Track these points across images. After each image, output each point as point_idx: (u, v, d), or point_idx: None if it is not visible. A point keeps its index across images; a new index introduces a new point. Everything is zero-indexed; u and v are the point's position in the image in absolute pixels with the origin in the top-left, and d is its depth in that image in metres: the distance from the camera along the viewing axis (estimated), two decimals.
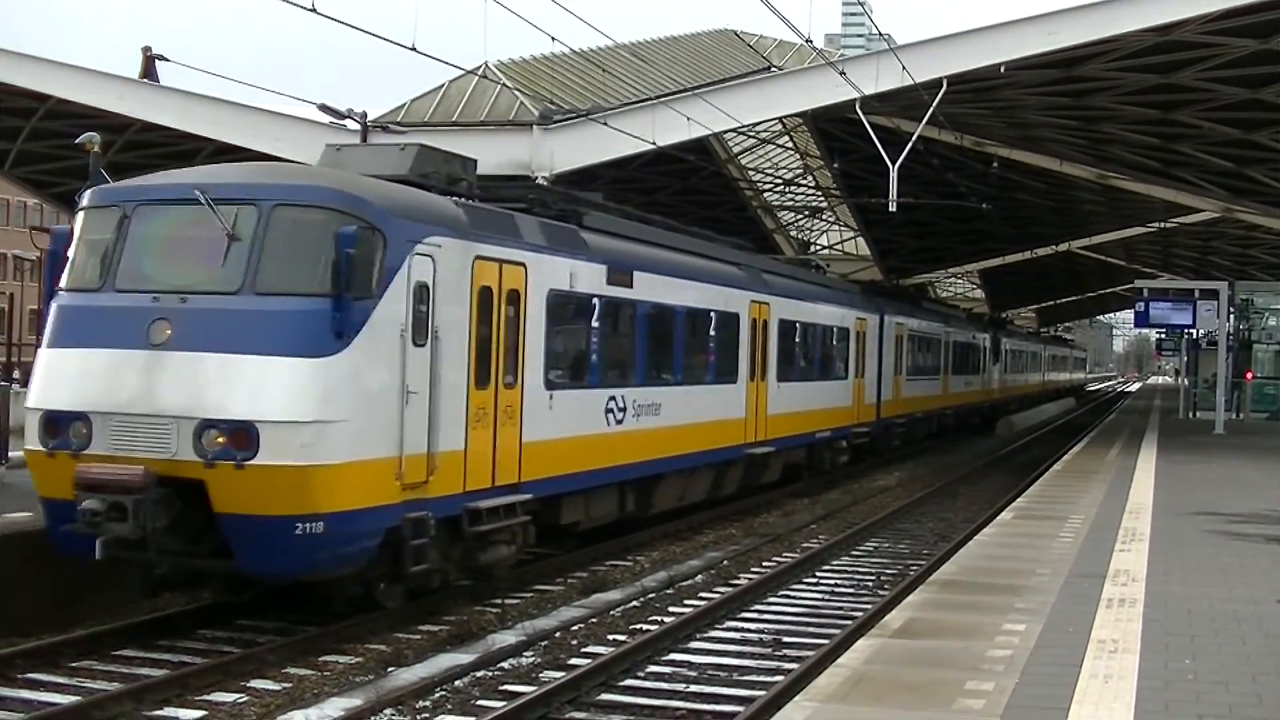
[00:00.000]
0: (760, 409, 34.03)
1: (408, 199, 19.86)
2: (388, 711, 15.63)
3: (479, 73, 39.70)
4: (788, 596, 23.68)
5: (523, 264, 22.03)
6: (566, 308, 23.90)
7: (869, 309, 46.37)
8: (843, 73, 35.76)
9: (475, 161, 23.84)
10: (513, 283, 21.74)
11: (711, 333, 30.87)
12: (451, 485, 19.92)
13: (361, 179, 19.85)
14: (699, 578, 24.88)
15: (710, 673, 18.01)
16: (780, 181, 67.42)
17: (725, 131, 46.20)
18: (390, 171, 21.19)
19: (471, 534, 20.49)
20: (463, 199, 21.88)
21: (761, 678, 17.72)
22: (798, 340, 37.47)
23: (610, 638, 19.65)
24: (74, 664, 17.11)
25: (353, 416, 17.81)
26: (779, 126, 60.31)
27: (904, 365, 51.70)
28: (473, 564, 21.11)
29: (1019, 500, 29.06)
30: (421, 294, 19.19)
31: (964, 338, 67.30)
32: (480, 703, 16.17)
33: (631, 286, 26.29)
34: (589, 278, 24.59)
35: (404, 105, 41.38)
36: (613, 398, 25.61)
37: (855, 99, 36.57)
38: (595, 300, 24.81)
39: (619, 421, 25.83)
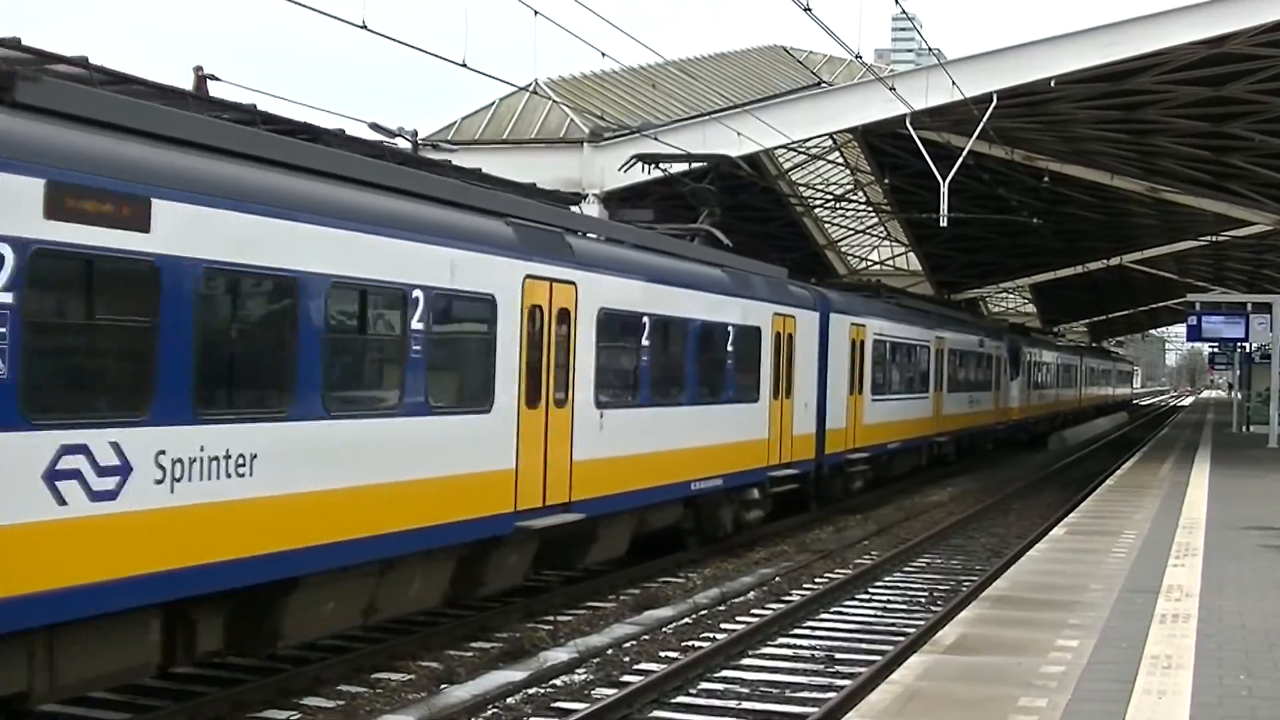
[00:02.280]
0: (558, 454, 21.25)
1: None
2: None
3: (530, 89, 39.82)
4: (840, 613, 23.65)
5: None
6: None
7: (800, 304, 33.15)
8: (892, 88, 35.81)
9: None
10: None
11: (416, 327, 17.70)
12: None
13: None
14: (751, 594, 24.86)
15: (763, 689, 18.00)
16: (831, 197, 67.37)
17: (776, 147, 46.19)
18: None
19: None
20: None
21: (814, 694, 17.70)
22: (647, 343, 24.68)
23: (662, 654, 19.65)
24: (127, 681, 17.12)
25: None
26: (829, 142, 60.29)
27: (867, 380, 39.06)
28: None
29: (1072, 515, 28.96)
30: None
31: (967, 345, 55.19)
32: None
33: (147, 228, 13.76)
34: None
35: (455, 123, 41.53)
36: (83, 449, 13.03)
37: (905, 114, 36.63)
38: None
39: (103, 495, 13.23)
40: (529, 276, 20.37)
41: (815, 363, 34.36)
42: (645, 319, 24.55)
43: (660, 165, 33.03)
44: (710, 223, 32.50)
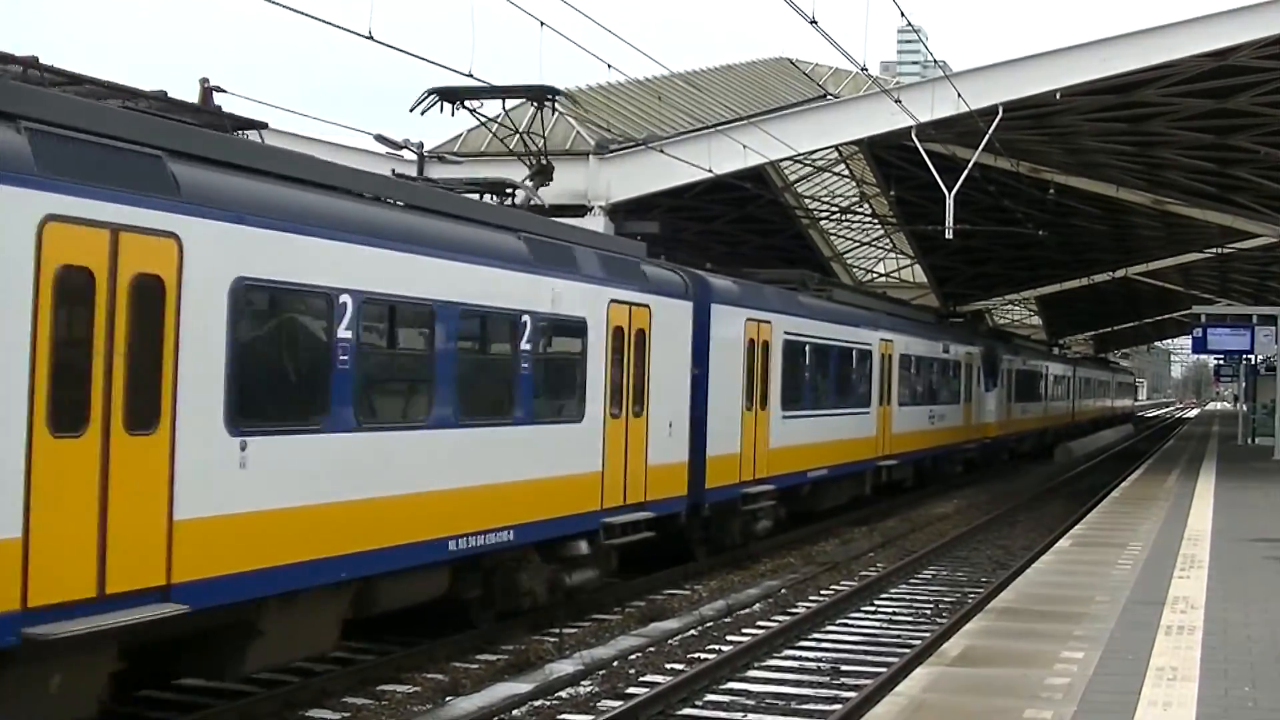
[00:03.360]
0: (136, 511, 13.48)
1: None
2: None
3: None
4: (846, 625, 23.67)
5: None
6: None
7: (659, 289, 25.18)
8: (898, 100, 35.78)
9: None
10: None
11: None
12: None
13: None
14: (757, 606, 24.87)
15: (769, 701, 18.01)
16: (837, 209, 67.39)
17: (781, 159, 46.18)
18: None
19: None
20: None
21: (820, 706, 17.71)
22: (349, 335, 16.61)
23: (668, 667, 19.67)
24: (134, 693, 17.09)
25: None
26: (835, 154, 60.29)
27: (774, 392, 31.24)
28: None
29: (1077, 527, 28.96)
30: None
31: (926, 350, 47.21)
32: None
33: None
34: None
35: (460, 135, 41.51)
36: None
37: (911, 126, 36.63)
38: None
39: None
40: (53, 218, 12.63)
41: (687, 369, 26.52)
42: (346, 299, 16.45)
43: (465, 103, 24.16)
44: (539, 184, 24.85)
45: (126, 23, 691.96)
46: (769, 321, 30.97)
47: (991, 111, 36.76)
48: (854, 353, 38.13)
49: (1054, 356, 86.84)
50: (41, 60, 14.54)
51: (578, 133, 39.99)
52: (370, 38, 22.83)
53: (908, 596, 26.88)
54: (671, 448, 25.47)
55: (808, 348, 33.99)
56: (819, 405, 34.77)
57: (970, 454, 55.63)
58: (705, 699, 18.00)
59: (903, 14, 28.18)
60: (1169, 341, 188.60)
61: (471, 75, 25.72)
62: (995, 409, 59.69)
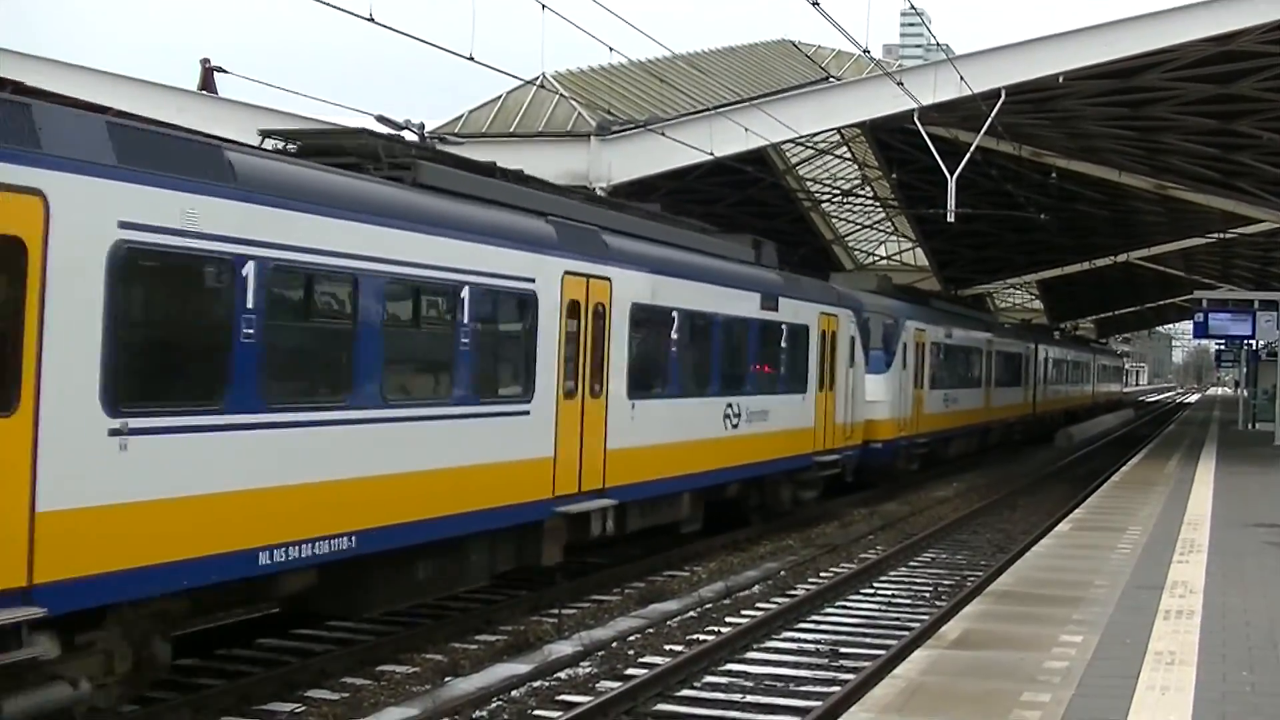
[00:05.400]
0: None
1: None
2: None
3: (537, 83, 39.76)
4: (845, 607, 23.66)
5: None
6: None
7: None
8: (901, 83, 35.71)
9: None
10: None
11: None
12: None
13: None
14: (756, 588, 24.86)
15: (767, 683, 18.01)
16: (838, 192, 67.34)
17: (783, 142, 46.13)
18: None
19: None
20: None
21: (818, 688, 17.72)
22: None
23: (667, 648, 19.67)
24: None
25: None
26: (837, 137, 60.27)
27: (67, 375, 12.36)
28: None
29: (1077, 511, 28.96)
30: None
31: (714, 303, 27.01)
32: (537, 713, 16.22)
33: None
34: None
35: (462, 116, 41.47)
36: None
37: (913, 109, 36.55)
38: None
39: None
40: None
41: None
42: None
43: None
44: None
45: (126, 4, 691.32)
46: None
47: (994, 95, 36.72)
48: (467, 295, 18.81)
49: (1001, 328, 65.68)
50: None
51: (579, 114, 39.95)
52: (370, 19, 22.80)
53: (907, 579, 26.87)
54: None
55: (251, 276, 14.80)
56: (308, 401, 16.16)
57: (830, 469, 34.34)
58: (704, 680, 18.01)
59: None
60: (1170, 326, 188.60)
61: (472, 58, 25.71)
62: (891, 400, 41.39)
